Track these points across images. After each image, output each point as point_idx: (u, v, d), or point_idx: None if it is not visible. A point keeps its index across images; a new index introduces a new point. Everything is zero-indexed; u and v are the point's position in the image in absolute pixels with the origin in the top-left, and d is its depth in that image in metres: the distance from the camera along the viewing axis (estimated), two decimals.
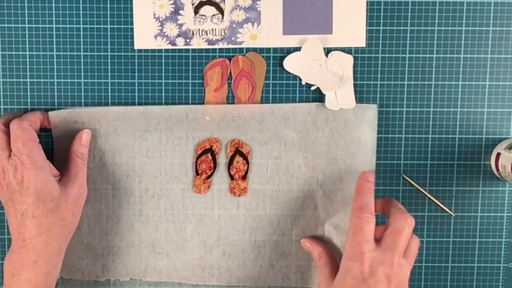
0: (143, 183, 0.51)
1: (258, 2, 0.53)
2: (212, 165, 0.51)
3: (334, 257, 0.49)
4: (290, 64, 0.53)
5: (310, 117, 0.50)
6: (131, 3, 0.53)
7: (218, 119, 0.50)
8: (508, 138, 0.54)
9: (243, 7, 0.54)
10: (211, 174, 0.51)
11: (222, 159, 0.51)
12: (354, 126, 0.50)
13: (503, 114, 0.54)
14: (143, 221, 0.52)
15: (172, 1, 0.53)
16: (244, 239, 0.52)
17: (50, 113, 0.50)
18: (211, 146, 0.51)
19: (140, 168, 0.51)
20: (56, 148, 0.51)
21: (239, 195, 0.51)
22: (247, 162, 0.51)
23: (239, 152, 0.51)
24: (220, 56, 0.54)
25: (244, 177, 0.51)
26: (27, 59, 0.54)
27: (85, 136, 0.49)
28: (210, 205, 0.51)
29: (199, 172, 0.51)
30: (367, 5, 0.53)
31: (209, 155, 0.50)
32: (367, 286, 0.41)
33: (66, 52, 0.54)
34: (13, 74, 0.54)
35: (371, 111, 0.51)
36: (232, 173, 0.51)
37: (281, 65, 0.53)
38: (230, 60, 0.54)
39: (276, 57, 0.54)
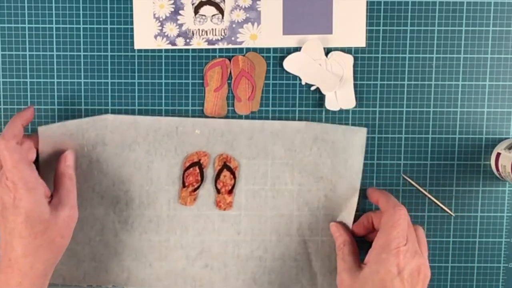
0: (129, 193, 0.51)
1: (258, 2, 0.53)
2: (199, 178, 0.51)
3: (357, 247, 0.49)
4: (290, 64, 0.53)
5: (299, 135, 0.51)
6: (131, 3, 0.53)
7: (208, 133, 0.51)
8: (508, 138, 0.54)
9: (243, 7, 0.54)
10: (198, 187, 0.51)
11: (210, 173, 0.51)
12: (341, 147, 0.51)
13: (503, 114, 0.54)
14: (127, 229, 0.52)
15: (172, 1, 0.53)
16: (227, 252, 0.52)
17: (40, 129, 0.50)
18: (199, 160, 0.51)
19: (127, 178, 0.51)
20: (42, 163, 0.50)
21: (225, 209, 0.52)
22: (234, 177, 0.51)
23: (226, 166, 0.51)
24: (220, 56, 0.54)
25: (230, 191, 0.51)
26: (27, 59, 0.54)
27: (69, 157, 0.48)
28: (195, 217, 0.52)
29: (186, 184, 0.51)
30: (367, 5, 0.53)
31: (196, 168, 0.51)
32: (401, 279, 0.43)
33: (66, 52, 0.54)
34: (13, 74, 0.54)
35: (360, 135, 0.51)
36: (218, 187, 0.51)
37: (281, 65, 0.53)
38: (230, 60, 0.54)
39: (276, 57, 0.54)
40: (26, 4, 0.53)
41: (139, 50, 0.54)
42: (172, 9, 0.54)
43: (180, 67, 0.54)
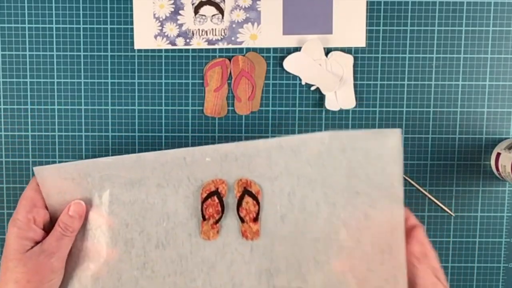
0: (144, 232, 0.46)
1: (258, 2, 0.53)
2: (220, 209, 0.46)
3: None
4: (290, 64, 0.53)
5: (324, 147, 0.44)
6: (131, 3, 0.53)
7: (220, 159, 0.45)
8: (508, 138, 0.54)
9: (243, 7, 0.54)
10: (219, 219, 0.46)
11: (230, 200, 0.46)
12: (376, 154, 0.44)
13: (503, 114, 0.54)
14: (148, 275, 0.46)
15: (172, 1, 0.53)
16: (262, 284, 0.46)
17: (35, 169, 0.45)
18: (217, 188, 0.46)
19: (141, 215, 0.46)
20: (50, 206, 0.46)
21: (252, 239, 0.46)
22: (258, 203, 0.45)
23: (248, 192, 0.46)
24: (220, 56, 0.54)
25: (255, 219, 0.46)
26: (27, 59, 0.54)
27: (73, 207, 0.45)
28: (221, 251, 0.46)
29: (206, 217, 0.46)
30: (367, 5, 0.53)
31: (215, 198, 0.46)
32: None
33: (66, 52, 0.54)
34: (13, 74, 0.54)
35: (395, 136, 0.43)
36: (242, 215, 0.46)
37: (281, 65, 0.53)
38: (230, 60, 0.54)
39: (276, 57, 0.54)
40: (26, 4, 0.53)
41: (139, 50, 0.54)
42: (172, 9, 0.54)
43: (180, 67, 0.54)
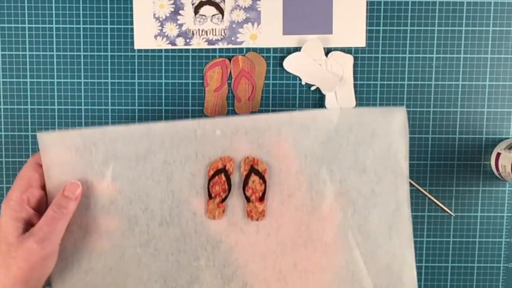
0: (148, 210, 0.45)
1: (258, 2, 0.53)
2: (227, 187, 0.45)
3: None
4: (290, 64, 0.53)
5: (332, 125, 0.44)
6: (131, 3, 0.53)
7: (230, 133, 0.44)
8: (508, 138, 0.54)
9: (243, 7, 0.54)
10: (226, 197, 0.45)
11: (237, 178, 0.45)
12: (382, 132, 0.44)
13: (503, 114, 0.54)
14: (151, 252, 0.45)
15: (172, 1, 0.53)
16: (267, 267, 0.45)
17: (39, 135, 0.44)
18: (224, 166, 0.45)
19: (145, 192, 0.45)
20: (48, 180, 0.44)
21: (257, 219, 0.45)
22: (264, 182, 0.45)
23: (254, 170, 0.45)
24: (220, 56, 0.54)
25: (261, 199, 0.45)
26: (27, 59, 0.54)
27: (69, 187, 0.43)
28: (226, 230, 0.45)
29: (212, 195, 0.45)
30: (367, 5, 0.53)
31: (222, 175, 0.45)
32: None
33: (66, 52, 0.54)
34: (13, 74, 0.54)
35: (400, 115, 0.45)
36: (248, 194, 0.45)
37: (281, 65, 0.53)
38: (230, 60, 0.54)
39: (276, 57, 0.54)
40: (26, 4, 0.53)
41: (139, 50, 0.54)
42: (172, 9, 0.54)
43: (180, 67, 0.54)
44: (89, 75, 0.54)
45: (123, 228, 0.45)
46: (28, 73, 0.54)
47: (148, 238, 0.45)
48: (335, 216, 0.45)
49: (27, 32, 0.54)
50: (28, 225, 0.41)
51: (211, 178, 0.45)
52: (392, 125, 0.44)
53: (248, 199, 0.45)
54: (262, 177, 0.45)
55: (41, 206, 0.43)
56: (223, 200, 0.45)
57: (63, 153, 0.44)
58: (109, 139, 0.44)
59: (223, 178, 0.45)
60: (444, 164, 0.55)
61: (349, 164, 0.45)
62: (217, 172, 0.45)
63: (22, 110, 0.54)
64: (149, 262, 0.45)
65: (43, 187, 0.43)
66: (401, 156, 0.45)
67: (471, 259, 0.56)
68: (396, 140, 0.45)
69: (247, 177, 0.45)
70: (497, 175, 0.54)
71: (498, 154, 0.53)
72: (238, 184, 0.45)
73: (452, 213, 0.55)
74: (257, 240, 0.45)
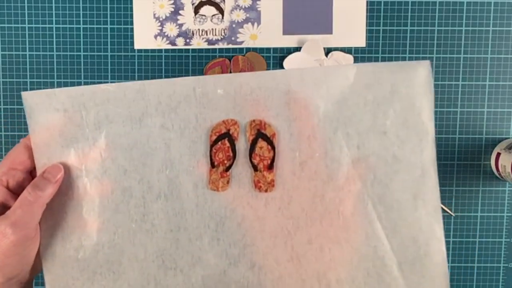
0: (144, 181, 0.41)
1: (258, 2, 0.53)
2: (231, 154, 0.40)
3: None
4: (290, 64, 0.53)
5: (348, 83, 0.39)
6: (131, 3, 0.53)
7: (234, 92, 0.39)
8: (508, 138, 0.54)
9: (243, 7, 0.54)
10: (230, 166, 0.40)
11: (242, 145, 0.40)
12: (404, 89, 0.39)
13: (503, 114, 0.54)
14: (147, 228, 0.41)
15: (172, 1, 0.53)
16: (278, 245, 0.40)
17: (24, 94, 0.40)
18: (228, 130, 0.40)
19: (140, 161, 0.40)
20: (35, 145, 0.40)
21: (266, 190, 0.40)
22: (273, 148, 0.40)
23: (261, 135, 0.40)
24: (220, 56, 0.54)
25: (270, 167, 0.40)
26: (27, 59, 0.54)
27: (50, 169, 0.39)
28: (231, 204, 0.40)
29: (215, 163, 0.40)
30: (367, 5, 0.53)
31: (226, 141, 0.40)
32: None
33: (66, 52, 0.54)
34: (13, 74, 0.54)
35: (424, 68, 0.39)
36: (255, 162, 0.40)
37: (281, 65, 0.53)
38: (230, 60, 0.54)
39: (276, 57, 0.54)
40: (26, 4, 0.53)
41: (139, 50, 0.54)
42: (172, 9, 0.54)
43: (180, 67, 0.54)
44: (89, 75, 0.54)
45: (116, 201, 0.41)
46: (28, 73, 0.54)
47: (144, 213, 0.41)
48: (353, 186, 0.39)
49: (27, 32, 0.54)
50: (5, 209, 0.38)
51: (213, 144, 0.40)
52: (415, 81, 0.39)
53: (255, 168, 0.40)
54: (270, 142, 0.40)
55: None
56: (227, 169, 0.40)
57: (51, 116, 0.40)
58: (100, 100, 0.40)
59: (227, 143, 0.40)
60: (444, 164, 0.55)
61: (367, 127, 0.39)
62: (220, 137, 0.40)
63: (22, 110, 0.54)
64: (145, 240, 0.41)
65: (30, 172, 0.40)
66: (426, 116, 0.39)
67: (471, 259, 0.56)
68: (420, 98, 0.39)
69: (254, 143, 0.40)
70: (497, 175, 0.54)
71: (498, 154, 0.53)
72: (244, 151, 0.40)
73: (452, 213, 0.55)
74: (266, 214, 0.40)
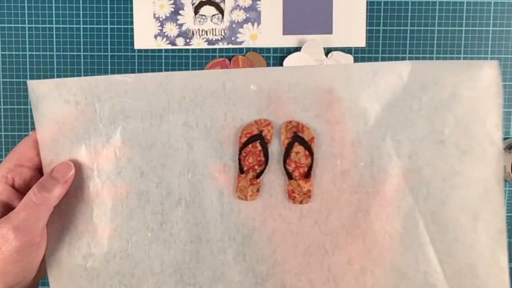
0: (163, 185, 0.36)
1: (258, 2, 0.53)
2: (263, 159, 0.35)
3: None
4: (290, 64, 0.53)
5: (401, 82, 0.34)
6: (131, 3, 0.53)
7: (269, 88, 0.35)
8: (508, 138, 0.54)
9: (243, 7, 0.54)
10: (261, 172, 0.35)
11: (276, 149, 0.35)
12: (467, 92, 0.34)
13: (503, 114, 0.54)
14: (165, 238, 0.36)
15: (172, 1, 0.53)
16: (313, 264, 0.35)
17: (30, 83, 0.36)
18: (261, 131, 0.35)
19: (160, 162, 0.36)
20: (41, 140, 0.37)
21: (301, 202, 0.35)
22: (311, 154, 0.35)
23: (299, 139, 0.35)
24: (220, 56, 0.54)
25: (307, 175, 0.35)
26: (27, 59, 0.54)
27: (59, 167, 0.35)
28: (261, 215, 0.36)
29: (245, 169, 0.35)
30: (367, 5, 0.53)
31: (257, 144, 0.35)
32: None
33: (66, 52, 0.54)
34: (13, 74, 0.54)
35: (491, 69, 0.34)
36: (290, 169, 0.35)
37: (281, 65, 0.53)
38: (230, 60, 0.54)
39: (276, 57, 0.54)
40: (26, 4, 0.53)
41: (139, 50, 0.54)
42: (172, 9, 0.54)
43: (180, 67, 0.54)
44: (89, 75, 0.54)
45: (131, 206, 0.36)
46: (28, 73, 0.54)
47: (162, 221, 0.36)
48: (402, 201, 0.34)
49: (27, 32, 0.54)
50: (8, 210, 0.34)
51: (243, 146, 0.35)
52: (480, 83, 0.34)
53: (290, 176, 0.35)
54: (308, 147, 0.35)
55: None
56: (258, 175, 0.35)
57: (60, 108, 0.36)
58: (116, 92, 0.35)
59: (259, 147, 0.35)
60: None
61: (422, 134, 0.34)
62: (251, 139, 0.35)
63: (22, 110, 0.54)
64: (162, 251, 0.37)
65: (39, 169, 0.37)
66: (492, 124, 0.33)
67: None
68: (486, 103, 0.34)
69: (289, 147, 0.35)
70: None
71: None
72: (277, 155, 0.35)
73: None
74: (300, 228, 0.35)
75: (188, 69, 0.54)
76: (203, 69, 0.54)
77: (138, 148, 0.36)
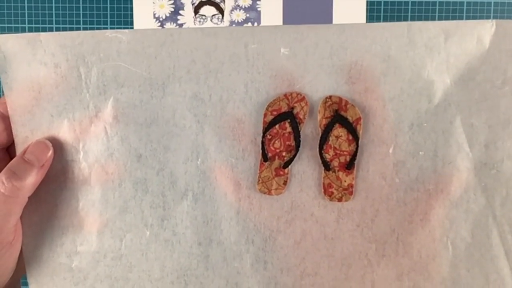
0: (166, 172, 0.29)
1: (258, 2, 0.53)
2: (293, 144, 0.28)
3: None
4: None
5: (481, 50, 0.27)
6: (131, 3, 0.53)
7: (305, 53, 0.27)
8: None
9: (243, 7, 0.54)
10: (291, 160, 0.28)
11: (310, 132, 0.28)
12: None
13: None
14: (167, 238, 0.30)
15: (172, 1, 0.53)
16: (351, 276, 0.29)
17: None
18: (292, 108, 0.28)
19: (161, 144, 0.29)
20: (13, 111, 0.29)
21: (340, 199, 0.28)
22: (356, 138, 0.28)
23: (340, 118, 0.28)
24: None
25: (349, 166, 0.28)
26: None
27: (33, 148, 0.28)
28: (288, 213, 0.29)
29: (269, 156, 0.28)
30: (367, 5, 0.53)
31: (286, 124, 0.28)
32: None
33: None
34: None
35: None
36: (327, 157, 0.28)
37: None
38: None
39: None
40: (26, 4, 0.53)
41: None
42: (172, 9, 0.54)
43: None
44: None
45: (126, 197, 0.30)
46: None
47: (164, 216, 0.30)
48: (473, 203, 0.28)
49: (27, 32, 0.54)
50: None
51: (268, 127, 0.28)
52: None
53: (327, 166, 0.28)
54: (352, 130, 0.28)
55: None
56: (286, 164, 0.28)
57: (35, 72, 0.28)
58: (107, 53, 0.28)
59: (288, 128, 0.28)
60: None
61: (505, 118, 0.27)
62: (279, 118, 0.28)
63: None
64: (163, 253, 0.30)
65: (7, 149, 0.30)
66: None
67: None
68: None
69: (328, 129, 0.28)
70: None
71: None
72: (311, 140, 0.28)
73: None
74: (338, 233, 0.29)
75: None
76: None
77: (134, 125, 0.29)
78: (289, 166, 0.28)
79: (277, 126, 0.28)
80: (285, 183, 0.29)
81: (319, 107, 0.28)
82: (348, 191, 0.28)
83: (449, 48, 0.27)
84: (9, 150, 0.30)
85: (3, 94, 0.29)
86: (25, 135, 0.29)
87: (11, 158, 0.28)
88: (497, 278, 0.27)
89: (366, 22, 0.53)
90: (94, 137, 0.29)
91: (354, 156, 0.28)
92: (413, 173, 0.28)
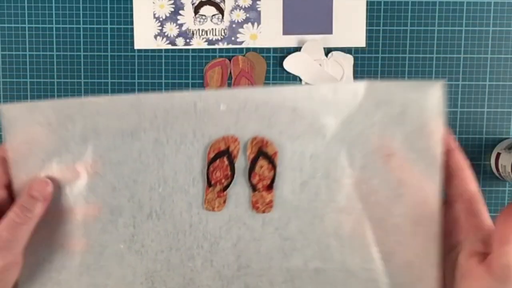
0: (135, 199, 0.38)
1: (258, 2, 0.53)
2: (229, 173, 0.38)
3: None
4: (290, 64, 0.53)
5: (356, 101, 0.37)
6: (131, 3, 0.53)
7: (237, 108, 0.37)
8: (508, 138, 0.54)
9: (243, 7, 0.54)
10: (228, 185, 0.38)
11: (242, 163, 0.38)
12: (415, 110, 0.37)
13: (503, 114, 0.54)
14: (137, 249, 0.39)
15: (172, 1, 0.53)
16: (273, 267, 0.39)
17: (2, 107, 0.36)
18: (228, 147, 0.38)
19: (131, 178, 0.38)
20: (12, 160, 0.37)
21: (264, 211, 0.38)
22: (274, 167, 0.38)
23: (263, 153, 0.38)
24: (220, 56, 0.54)
25: (269, 187, 0.38)
26: (27, 59, 0.54)
27: (37, 186, 0.35)
28: (226, 224, 0.39)
29: (212, 182, 0.38)
30: (367, 5, 0.53)
31: (225, 159, 0.38)
32: None
33: (66, 52, 0.54)
34: (13, 74, 0.54)
35: (436, 90, 0.37)
36: (254, 182, 0.38)
37: (281, 65, 0.53)
38: (230, 60, 0.54)
39: (276, 57, 0.54)
40: (26, 4, 0.53)
41: (139, 50, 0.54)
42: (172, 9, 0.54)
43: (180, 67, 0.54)
44: (89, 75, 0.54)
45: (104, 221, 0.38)
46: (28, 73, 0.54)
47: (134, 233, 0.38)
48: (353, 208, 0.38)
49: (27, 32, 0.54)
50: None
51: (211, 161, 0.38)
52: (426, 104, 0.37)
53: (254, 188, 0.38)
54: (271, 161, 0.38)
55: (3, 208, 0.35)
56: (225, 188, 0.38)
57: (32, 129, 0.36)
58: (88, 112, 0.36)
59: (226, 162, 0.38)
60: None
61: (373, 148, 0.37)
62: (219, 155, 0.38)
63: None
64: (135, 261, 0.39)
65: (7, 186, 0.36)
66: (434, 141, 0.38)
67: None
68: (430, 122, 0.37)
69: (254, 162, 0.38)
70: (497, 175, 0.54)
71: (498, 154, 0.53)
72: (243, 169, 0.38)
73: None
74: (262, 235, 0.39)
75: (188, 69, 0.54)
76: (203, 69, 0.54)
77: (109, 164, 0.38)
78: (227, 190, 0.38)
79: (217, 160, 0.38)
80: (224, 202, 0.38)
81: (247, 145, 0.38)
82: (269, 205, 0.38)
83: (337, 101, 0.37)
84: (8, 188, 0.36)
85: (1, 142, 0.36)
86: (21, 178, 0.37)
87: (10, 194, 0.36)
88: (370, 259, 0.38)
89: (366, 22, 0.53)
90: (77, 175, 0.37)
91: (273, 180, 0.38)
92: (313, 189, 0.38)
